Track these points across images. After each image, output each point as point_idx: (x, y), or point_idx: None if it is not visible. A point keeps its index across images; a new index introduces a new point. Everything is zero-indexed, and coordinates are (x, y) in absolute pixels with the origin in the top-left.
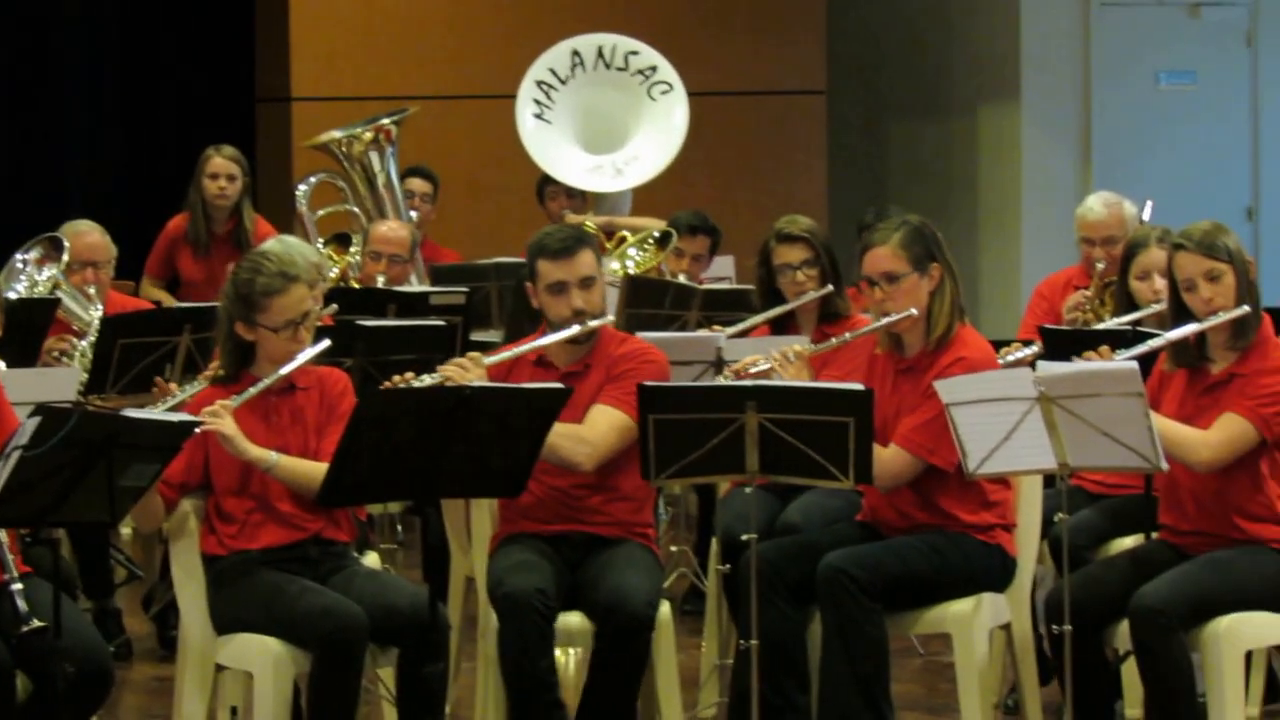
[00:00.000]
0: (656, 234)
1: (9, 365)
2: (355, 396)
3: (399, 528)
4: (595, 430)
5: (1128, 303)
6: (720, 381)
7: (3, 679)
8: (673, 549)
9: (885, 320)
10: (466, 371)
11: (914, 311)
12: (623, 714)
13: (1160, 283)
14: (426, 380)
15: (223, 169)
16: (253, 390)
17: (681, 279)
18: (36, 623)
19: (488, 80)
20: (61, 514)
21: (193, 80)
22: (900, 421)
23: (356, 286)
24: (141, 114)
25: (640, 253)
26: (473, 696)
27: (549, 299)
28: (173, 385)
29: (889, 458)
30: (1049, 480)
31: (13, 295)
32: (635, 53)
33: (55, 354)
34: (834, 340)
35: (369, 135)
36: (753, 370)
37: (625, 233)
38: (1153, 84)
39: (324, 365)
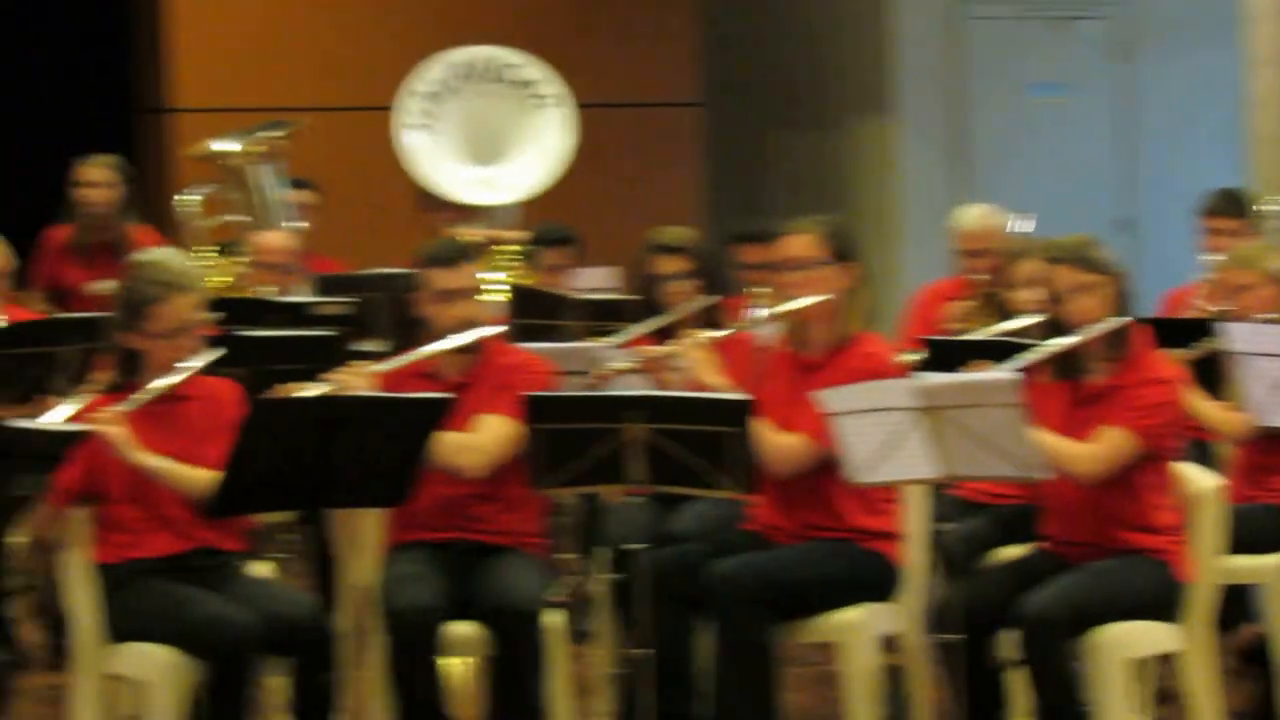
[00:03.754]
0: (520, 248)
1: None
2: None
3: (291, 536)
4: (483, 438)
5: (1006, 314)
6: (584, 389)
7: None
8: (566, 558)
9: (795, 303)
10: (356, 380)
11: (828, 296)
12: (531, 716)
13: (1038, 293)
14: (315, 389)
15: (94, 178)
16: (143, 397)
17: None
18: None
19: (370, 92)
20: None
21: (69, 91)
22: (806, 414)
23: (244, 297)
24: (15, 126)
25: (506, 267)
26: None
27: (435, 309)
28: (58, 397)
29: (790, 444)
30: (937, 489)
31: None
32: (518, 65)
33: None
34: (736, 325)
35: (259, 148)
36: (616, 366)
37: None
38: (1024, 95)
39: (213, 375)
